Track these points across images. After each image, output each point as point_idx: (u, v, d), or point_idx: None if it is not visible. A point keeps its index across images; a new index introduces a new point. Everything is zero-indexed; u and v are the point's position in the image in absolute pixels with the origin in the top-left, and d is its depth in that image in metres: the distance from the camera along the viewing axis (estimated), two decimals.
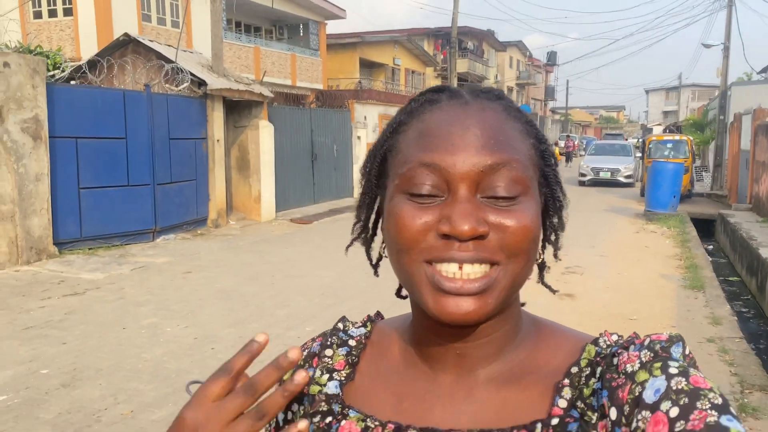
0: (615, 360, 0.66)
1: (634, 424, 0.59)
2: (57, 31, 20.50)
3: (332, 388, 0.77)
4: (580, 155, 36.85)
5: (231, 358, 0.62)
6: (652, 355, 0.64)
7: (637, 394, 0.61)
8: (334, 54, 32.25)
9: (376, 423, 0.72)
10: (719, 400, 0.58)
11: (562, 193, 0.75)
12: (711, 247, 13.90)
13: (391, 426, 0.71)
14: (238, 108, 13.55)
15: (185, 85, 11.72)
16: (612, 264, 9.44)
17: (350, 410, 0.74)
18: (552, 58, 67.65)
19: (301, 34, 30.47)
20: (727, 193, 18.61)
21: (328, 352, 0.81)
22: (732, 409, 0.57)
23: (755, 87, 20.16)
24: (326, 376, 0.78)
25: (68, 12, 20.20)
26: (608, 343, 0.71)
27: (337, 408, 0.75)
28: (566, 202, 0.77)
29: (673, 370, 0.61)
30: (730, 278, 10.95)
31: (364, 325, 0.84)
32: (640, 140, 27.71)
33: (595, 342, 0.71)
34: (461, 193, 0.64)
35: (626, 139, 40.02)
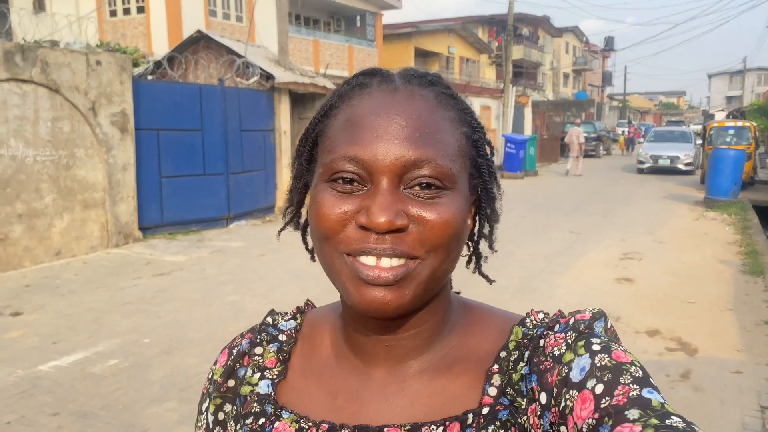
0: (541, 342, 0.67)
1: (562, 404, 0.61)
2: (131, 29, 21.49)
3: (264, 387, 0.77)
4: (638, 143, 36.17)
5: None
6: (576, 335, 0.65)
7: (564, 374, 0.62)
8: (389, 44, 32.60)
9: (310, 424, 0.72)
10: (640, 374, 0.59)
11: (496, 184, 0.75)
12: None
13: (324, 426, 0.71)
14: (302, 100, 14.09)
15: (255, 78, 12.32)
16: (670, 250, 9.58)
17: (283, 411, 0.74)
18: (609, 43, 66.29)
19: (358, 26, 30.97)
20: None
21: (258, 349, 0.80)
22: (652, 380, 0.60)
23: None
24: (257, 375, 0.78)
25: (141, 10, 21.15)
26: (534, 323, 0.72)
27: (269, 409, 0.75)
28: (500, 194, 0.76)
29: (596, 347, 0.63)
30: None
31: (294, 318, 0.84)
32: (702, 126, 27.15)
33: (522, 323, 0.72)
34: (382, 186, 0.64)
35: (687, 126, 39.04)
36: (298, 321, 0.83)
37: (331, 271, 0.68)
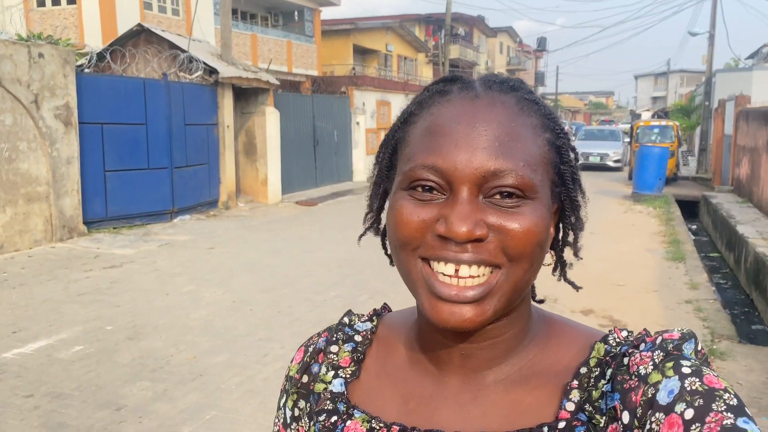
0: (626, 360, 0.65)
1: (647, 426, 0.59)
2: (60, 19, 20.89)
3: (337, 386, 0.77)
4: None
5: None
6: (663, 354, 0.63)
7: (650, 395, 0.60)
8: (328, 40, 32.70)
9: (381, 424, 0.72)
10: (734, 401, 0.57)
11: (580, 191, 0.73)
12: (695, 227, 14.74)
13: (396, 428, 0.71)
14: (245, 95, 14.17)
15: (199, 73, 12.34)
16: (602, 240, 10.23)
17: (355, 410, 0.74)
18: (542, 43, 68.29)
19: (296, 21, 30.98)
20: (711, 177, 19.46)
21: (334, 348, 0.80)
22: (747, 410, 0.57)
23: (739, 74, 20.94)
24: (331, 374, 0.78)
25: (72, 0, 20.62)
26: (618, 340, 0.69)
27: (342, 407, 0.75)
28: (585, 201, 0.74)
29: (686, 370, 0.60)
30: (711, 254, 11.78)
31: (370, 320, 0.83)
32: (629, 125, 28.59)
33: (605, 340, 0.70)
34: (462, 195, 0.63)
35: (615, 125, 40.77)
36: (374, 323, 0.82)
37: (408, 279, 0.67)
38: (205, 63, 12.38)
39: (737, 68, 25.95)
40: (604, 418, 0.64)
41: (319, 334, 0.84)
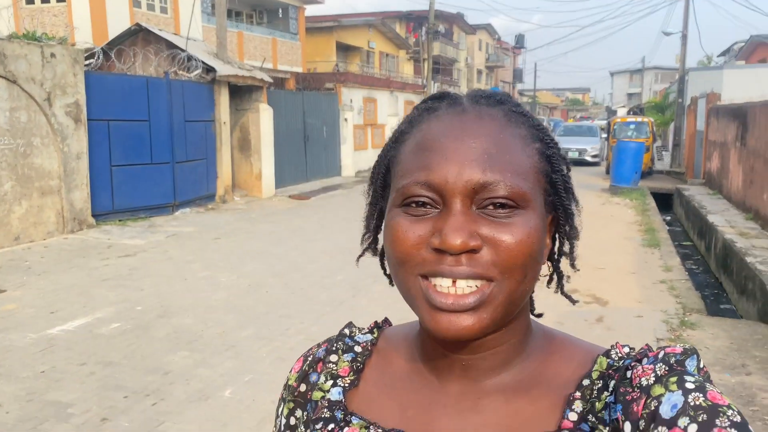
0: (629, 373, 0.65)
1: None
2: (50, 17, 21.12)
3: (335, 394, 0.77)
4: None
5: None
6: (666, 368, 0.63)
7: (652, 408, 0.60)
8: (312, 37, 33.06)
9: (379, 430, 0.72)
10: (738, 418, 0.57)
11: (573, 200, 0.74)
12: (669, 218, 15.54)
13: None
14: (239, 92, 14.65)
15: (197, 72, 12.82)
16: (583, 229, 10.91)
17: (353, 417, 0.75)
18: (520, 41, 69.21)
19: (281, 18, 31.37)
20: (684, 170, 20.34)
21: (333, 357, 0.81)
22: (751, 428, 0.57)
23: (710, 72, 21.86)
24: (330, 382, 0.79)
25: None
26: (620, 355, 0.70)
27: (339, 415, 0.75)
28: (579, 210, 0.75)
29: (689, 385, 0.60)
30: (684, 243, 12.56)
31: (371, 332, 0.84)
32: (606, 122, 29.52)
33: (607, 354, 0.71)
34: (455, 207, 0.64)
35: (592, 121, 41.71)
36: (375, 335, 0.83)
37: (407, 295, 0.68)
38: (203, 62, 12.86)
39: (709, 67, 26.95)
40: (607, 429, 0.64)
41: (318, 345, 0.85)
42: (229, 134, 14.17)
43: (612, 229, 10.92)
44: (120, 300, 6.55)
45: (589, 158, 24.60)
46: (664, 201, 16.63)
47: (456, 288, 0.64)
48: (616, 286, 7.25)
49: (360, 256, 0.83)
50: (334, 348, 0.82)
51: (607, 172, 19.33)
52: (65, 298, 6.58)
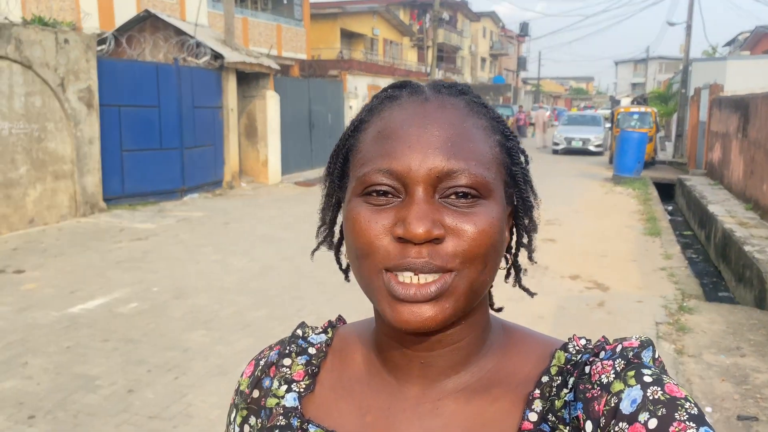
0: (587, 369, 0.66)
1: None
2: (57, 2, 21.21)
3: (290, 400, 0.75)
4: (553, 125, 38.15)
5: None
6: (624, 363, 0.64)
7: (613, 405, 0.61)
8: (316, 24, 33.09)
9: None
10: (695, 411, 0.58)
11: (532, 192, 0.73)
12: (671, 207, 15.71)
13: None
14: (246, 79, 14.80)
15: (206, 58, 12.97)
16: (585, 217, 11.13)
17: (310, 425, 0.73)
18: (524, 29, 69.03)
19: (285, 4, 31.41)
20: (686, 161, 20.47)
21: (287, 361, 0.78)
22: (708, 420, 0.58)
23: (714, 63, 21.92)
24: (284, 388, 0.76)
25: None
26: (577, 348, 0.70)
27: (296, 422, 0.73)
28: (537, 203, 0.74)
29: (647, 379, 0.61)
30: (685, 232, 12.73)
31: (325, 332, 0.82)
32: (610, 111, 29.68)
33: (564, 348, 0.70)
34: (417, 195, 0.63)
35: (595, 111, 41.76)
36: (329, 335, 0.81)
37: (368, 289, 0.67)
38: (211, 48, 13.01)
39: (713, 57, 26.99)
40: (567, 428, 0.64)
41: (271, 347, 0.82)
42: (236, 121, 14.34)
43: (614, 218, 11.11)
44: (136, 281, 6.76)
45: (592, 148, 24.74)
46: (666, 191, 16.78)
47: (419, 278, 0.63)
48: (618, 272, 7.45)
49: (315, 249, 0.82)
50: (287, 351, 0.80)
51: (610, 161, 19.49)
52: (83, 279, 6.80)
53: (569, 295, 6.58)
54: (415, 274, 0.63)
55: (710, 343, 5.34)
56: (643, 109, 22.17)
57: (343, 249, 0.76)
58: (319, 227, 0.79)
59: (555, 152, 25.17)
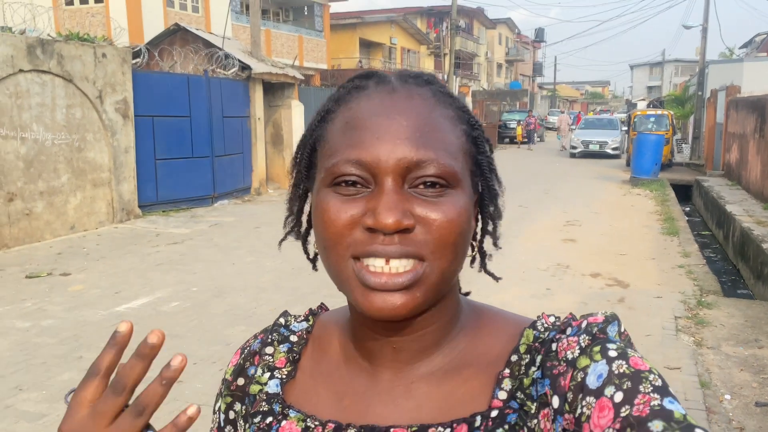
0: (554, 346, 0.67)
1: (578, 411, 0.60)
2: (88, 17, 21.84)
3: (273, 387, 0.77)
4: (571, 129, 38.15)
5: (97, 357, 0.58)
6: (590, 338, 0.65)
7: (579, 380, 0.62)
8: (335, 34, 33.56)
9: (317, 423, 0.73)
10: (659, 382, 0.59)
11: (497, 181, 0.74)
12: (688, 209, 15.87)
13: (331, 425, 0.72)
14: (272, 89, 15.22)
15: (234, 69, 13.41)
16: (604, 218, 11.37)
17: (290, 410, 0.75)
18: (540, 34, 69.17)
19: (306, 16, 31.94)
20: (704, 163, 20.57)
21: (269, 349, 0.81)
22: (671, 390, 0.59)
23: (731, 65, 22.01)
24: (267, 375, 0.78)
25: None
26: (546, 326, 0.71)
27: (277, 408, 0.75)
28: (502, 191, 0.75)
29: (612, 353, 0.62)
30: (703, 232, 12.92)
31: (306, 319, 0.84)
32: (626, 115, 29.86)
33: (533, 326, 0.72)
34: (387, 185, 0.64)
35: (611, 114, 41.81)
36: (310, 323, 0.83)
37: (339, 278, 0.67)
38: (239, 60, 13.45)
39: (729, 59, 27.03)
40: (535, 404, 0.66)
41: (255, 336, 0.85)
42: (263, 129, 14.77)
43: (632, 219, 11.33)
44: (175, 282, 7.14)
45: (609, 150, 24.90)
46: (684, 192, 16.93)
47: (390, 267, 0.64)
48: (637, 270, 7.70)
49: (282, 240, 0.84)
50: (269, 339, 0.82)
51: (628, 164, 19.66)
52: (125, 281, 7.19)
53: (590, 292, 6.85)
54: (386, 262, 0.64)
55: (729, 335, 5.59)
56: (659, 111, 22.33)
57: (311, 239, 0.77)
58: (287, 217, 0.79)
59: (572, 155, 25.37)
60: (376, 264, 0.64)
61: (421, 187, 0.65)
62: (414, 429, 0.69)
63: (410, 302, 0.64)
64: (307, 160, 0.73)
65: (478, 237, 0.77)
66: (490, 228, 0.76)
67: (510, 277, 7.02)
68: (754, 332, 5.71)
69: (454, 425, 0.67)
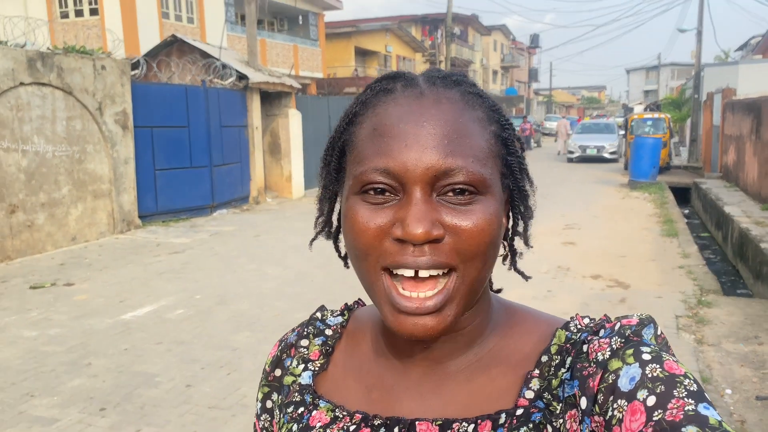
0: (585, 348, 0.66)
1: (609, 413, 0.60)
2: (83, 30, 21.94)
3: (306, 378, 0.80)
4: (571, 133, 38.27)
5: None
6: (622, 341, 0.64)
7: (610, 382, 0.61)
8: (331, 43, 33.71)
9: (345, 413, 0.74)
10: (694, 387, 0.58)
11: (528, 181, 0.74)
12: (687, 211, 15.91)
13: (358, 416, 0.74)
14: (269, 98, 15.29)
15: (231, 79, 13.47)
16: (604, 222, 11.42)
17: (321, 400, 0.77)
18: (535, 40, 69.53)
19: (301, 25, 32.08)
20: (701, 165, 20.66)
21: (304, 342, 0.83)
22: (707, 396, 0.58)
23: (726, 68, 22.16)
24: (301, 367, 0.81)
25: (94, 12, 21.70)
26: (579, 327, 0.71)
27: (308, 398, 0.78)
28: (533, 190, 0.75)
29: (646, 356, 0.61)
30: (702, 234, 12.97)
31: (342, 314, 0.86)
32: (623, 119, 29.97)
33: (566, 326, 0.71)
34: (415, 195, 0.63)
35: (608, 119, 41.96)
36: (345, 317, 0.85)
37: (370, 290, 0.68)
38: (236, 70, 13.52)
39: (725, 62, 27.21)
40: (561, 404, 0.66)
41: (293, 330, 0.87)
42: (261, 138, 14.82)
43: (632, 222, 11.39)
44: (179, 290, 7.17)
45: (607, 155, 24.99)
46: (682, 195, 17.00)
47: (419, 292, 0.64)
48: (637, 271, 7.74)
49: (313, 239, 0.86)
50: (305, 332, 0.84)
51: (626, 167, 19.74)
52: (129, 289, 7.22)
53: (591, 293, 6.89)
54: (415, 273, 0.64)
55: (729, 333, 5.63)
56: (656, 115, 22.42)
57: (341, 237, 0.77)
58: (317, 218, 0.80)
59: (570, 160, 25.46)
60: (406, 274, 0.65)
61: (450, 194, 0.64)
62: (439, 423, 0.70)
63: (441, 324, 0.65)
64: (336, 163, 0.73)
65: (510, 234, 0.77)
66: (520, 228, 0.77)
67: (511, 279, 6.97)
68: (753, 329, 5.75)
69: (479, 421, 0.68)
